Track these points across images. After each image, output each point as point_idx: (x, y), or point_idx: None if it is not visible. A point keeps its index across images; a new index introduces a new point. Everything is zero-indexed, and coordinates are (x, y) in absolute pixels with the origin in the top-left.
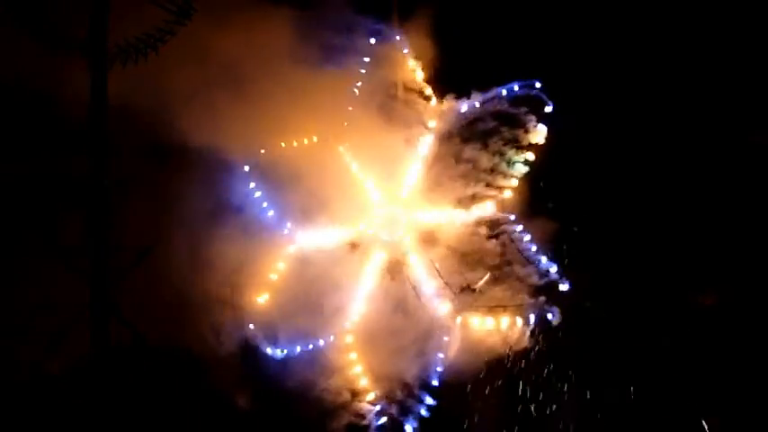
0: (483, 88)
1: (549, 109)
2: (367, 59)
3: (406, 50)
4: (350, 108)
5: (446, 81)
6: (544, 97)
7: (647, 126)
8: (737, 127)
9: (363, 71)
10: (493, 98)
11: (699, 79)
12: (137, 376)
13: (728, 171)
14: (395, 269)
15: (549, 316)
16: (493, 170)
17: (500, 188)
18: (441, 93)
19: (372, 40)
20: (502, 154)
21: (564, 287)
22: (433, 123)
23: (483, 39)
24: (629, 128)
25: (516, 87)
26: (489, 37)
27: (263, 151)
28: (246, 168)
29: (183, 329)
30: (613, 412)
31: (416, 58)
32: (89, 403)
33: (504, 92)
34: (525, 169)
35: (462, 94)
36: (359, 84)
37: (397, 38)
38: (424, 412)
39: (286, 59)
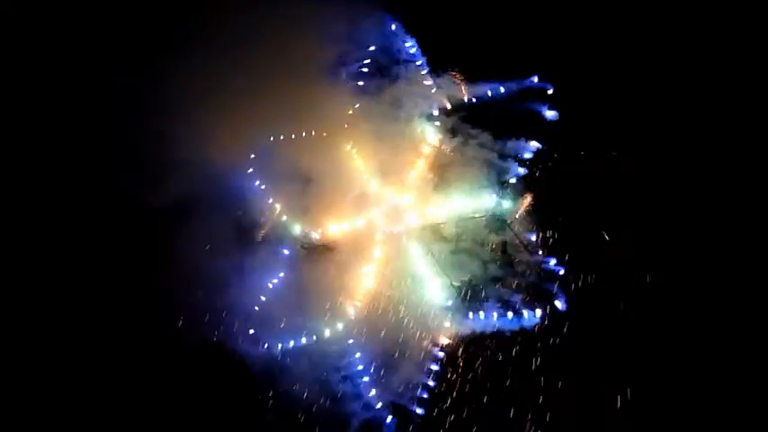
0: (488, 81)
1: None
2: (371, 48)
3: (410, 42)
4: (356, 105)
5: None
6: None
7: (647, 121)
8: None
9: (366, 68)
10: (498, 91)
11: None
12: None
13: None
14: (398, 262)
15: (559, 304)
16: (497, 164)
17: (504, 182)
18: (446, 86)
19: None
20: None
21: (564, 277)
22: (438, 117)
23: (487, 31)
24: (628, 122)
25: (519, 82)
26: (493, 30)
27: (262, 145)
28: (251, 163)
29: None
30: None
31: (421, 50)
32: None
33: (511, 85)
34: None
35: (469, 86)
36: (361, 83)
37: (403, 31)
38: (425, 397)
39: (290, 54)
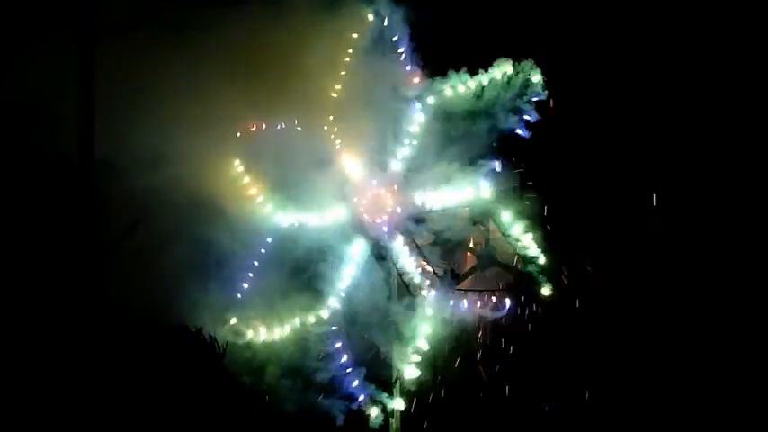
0: (474, 68)
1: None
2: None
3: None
4: (336, 89)
5: (437, 59)
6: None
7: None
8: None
9: (350, 50)
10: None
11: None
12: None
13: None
14: (379, 252)
15: (546, 291)
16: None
17: (486, 172)
18: (431, 71)
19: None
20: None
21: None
22: (420, 103)
23: (475, 16)
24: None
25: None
26: (481, 15)
27: (238, 134)
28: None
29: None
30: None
31: (406, 33)
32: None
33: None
34: None
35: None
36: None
37: (387, 12)
38: (409, 385)
39: (269, 38)
